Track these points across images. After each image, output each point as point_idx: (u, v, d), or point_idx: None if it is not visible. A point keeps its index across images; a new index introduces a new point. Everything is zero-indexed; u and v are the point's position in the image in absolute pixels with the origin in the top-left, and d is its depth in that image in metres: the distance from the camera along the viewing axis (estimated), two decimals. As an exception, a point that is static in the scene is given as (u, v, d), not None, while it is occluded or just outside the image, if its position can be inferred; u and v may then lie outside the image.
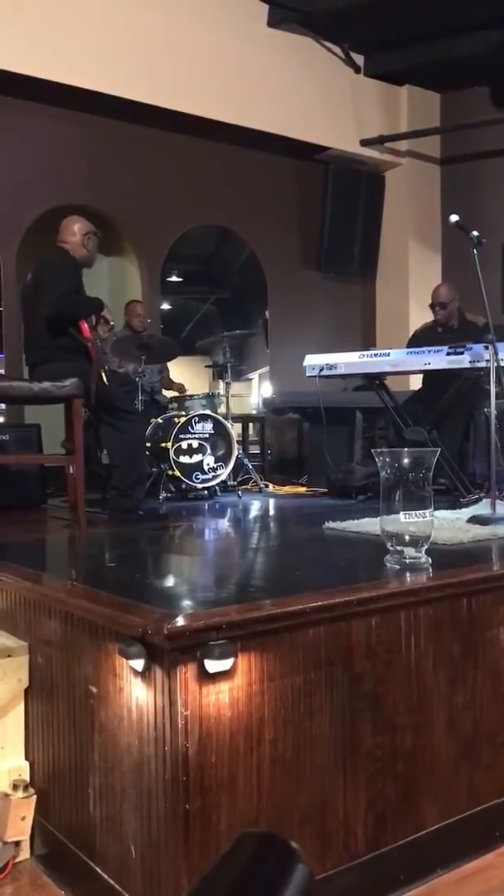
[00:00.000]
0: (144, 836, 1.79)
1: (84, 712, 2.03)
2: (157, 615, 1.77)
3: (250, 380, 10.23)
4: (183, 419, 5.11)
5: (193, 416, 5.15)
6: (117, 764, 1.89)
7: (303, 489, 5.73)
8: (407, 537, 2.30)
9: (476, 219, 5.36)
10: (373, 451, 2.43)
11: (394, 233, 8.26)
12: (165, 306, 9.20)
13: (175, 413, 5.49)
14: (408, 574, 2.23)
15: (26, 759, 2.32)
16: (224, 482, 5.29)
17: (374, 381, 4.72)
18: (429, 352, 4.24)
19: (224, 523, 4.19)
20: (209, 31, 6.67)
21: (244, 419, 7.57)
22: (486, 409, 4.18)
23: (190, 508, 4.76)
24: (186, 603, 2.07)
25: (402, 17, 6.85)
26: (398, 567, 2.29)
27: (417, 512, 2.28)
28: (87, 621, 2.02)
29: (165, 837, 1.73)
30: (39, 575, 2.48)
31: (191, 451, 5.08)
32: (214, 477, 5.15)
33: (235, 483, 5.49)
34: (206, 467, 5.12)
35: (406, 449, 2.36)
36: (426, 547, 2.33)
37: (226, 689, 1.75)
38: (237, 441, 5.52)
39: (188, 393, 6.06)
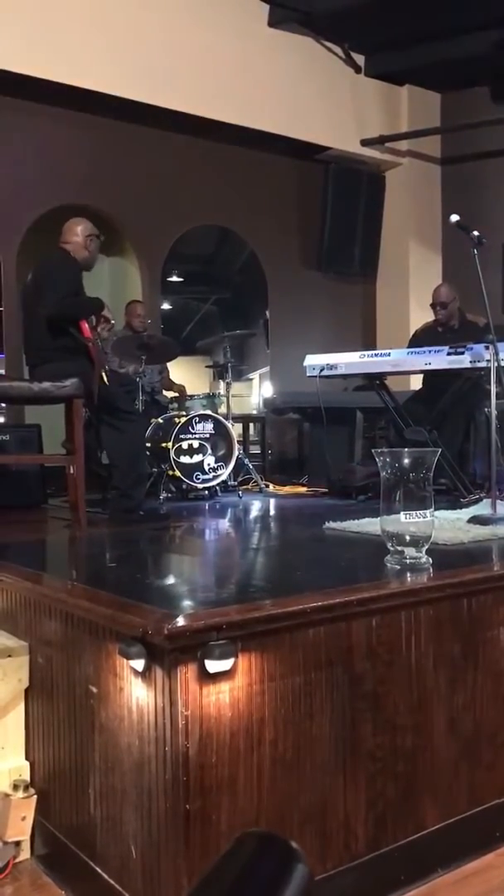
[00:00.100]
0: (145, 836, 1.79)
1: (84, 712, 2.03)
2: (157, 615, 1.77)
3: (251, 380, 10.22)
4: (183, 419, 5.11)
5: (194, 417, 5.15)
6: (118, 764, 1.89)
7: (303, 489, 5.73)
8: (407, 537, 2.30)
9: (476, 219, 5.36)
10: (373, 451, 2.43)
11: (394, 233, 8.26)
12: (166, 306, 9.19)
13: (175, 413, 5.49)
14: (408, 574, 2.23)
15: (27, 759, 2.32)
16: (224, 482, 5.29)
17: (374, 381, 4.72)
18: (429, 352, 4.24)
19: (224, 523, 4.19)
20: (209, 31, 6.67)
21: (245, 419, 7.57)
22: (486, 409, 4.18)
23: (190, 508, 4.76)
24: (187, 603, 2.07)
25: (402, 17, 6.85)
26: (399, 567, 2.29)
27: (418, 512, 2.28)
28: (87, 621, 2.02)
29: (166, 837, 1.73)
30: (40, 575, 2.48)
31: (191, 452, 5.08)
32: (215, 477, 5.15)
33: (236, 483, 5.49)
34: (206, 467, 5.12)
35: (406, 449, 2.36)
36: (426, 547, 2.33)
37: (226, 689, 1.75)
38: (238, 441, 5.52)
39: (189, 394, 6.06)
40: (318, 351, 4.93)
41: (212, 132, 6.98)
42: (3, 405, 6.38)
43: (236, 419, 6.10)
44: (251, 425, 7.72)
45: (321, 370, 4.63)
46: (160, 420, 5.36)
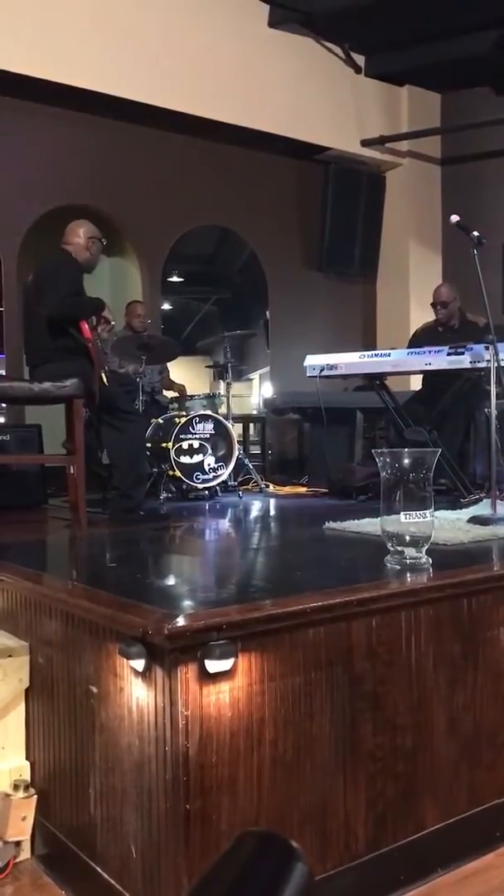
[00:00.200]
0: (145, 836, 1.80)
1: (85, 712, 2.03)
2: (157, 615, 1.77)
3: (251, 380, 10.23)
4: (183, 419, 5.11)
5: (194, 417, 5.15)
6: (118, 764, 1.89)
7: (303, 489, 5.73)
8: (407, 538, 2.30)
9: (476, 219, 5.35)
10: (373, 451, 2.43)
11: (394, 233, 8.26)
12: (166, 306, 9.20)
13: (176, 413, 5.49)
14: (408, 574, 2.23)
15: (27, 758, 2.32)
16: (225, 482, 5.29)
17: (374, 381, 4.72)
18: (429, 352, 4.24)
19: (225, 523, 4.19)
20: (209, 31, 6.67)
21: (245, 419, 7.57)
22: (486, 410, 4.18)
23: (190, 509, 4.76)
24: (187, 603, 2.08)
25: (402, 18, 6.85)
26: (398, 567, 2.29)
27: (418, 512, 2.28)
28: (87, 621, 2.02)
29: (166, 837, 1.73)
30: (40, 575, 2.48)
31: (191, 452, 5.08)
32: (215, 477, 5.15)
33: (236, 483, 5.49)
34: (206, 467, 5.12)
35: (406, 449, 2.36)
36: (426, 547, 2.33)
37: (226, 689, 1.75)
38: (238, 441, 5.52)
39: (189, 394, 6.07)
40: (318, 351, 4.94)
41: (212, 132, 6.98)
42: (4, 405, 6.38)
43: (236, 419, 6.10)
44: (251, 425, 7.72)
45: (321, 370, 4.63)
46: (160, 420, 5.36)
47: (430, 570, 2.27)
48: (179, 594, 2.32)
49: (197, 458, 5.09)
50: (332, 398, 5.52)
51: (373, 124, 7.80)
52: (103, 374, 3.85)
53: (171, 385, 6.36)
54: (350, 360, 4.62)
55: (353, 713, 1.98)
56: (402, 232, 8.22)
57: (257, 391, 9.88)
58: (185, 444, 5.06)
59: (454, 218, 3.57)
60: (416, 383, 5.77)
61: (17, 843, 2.20)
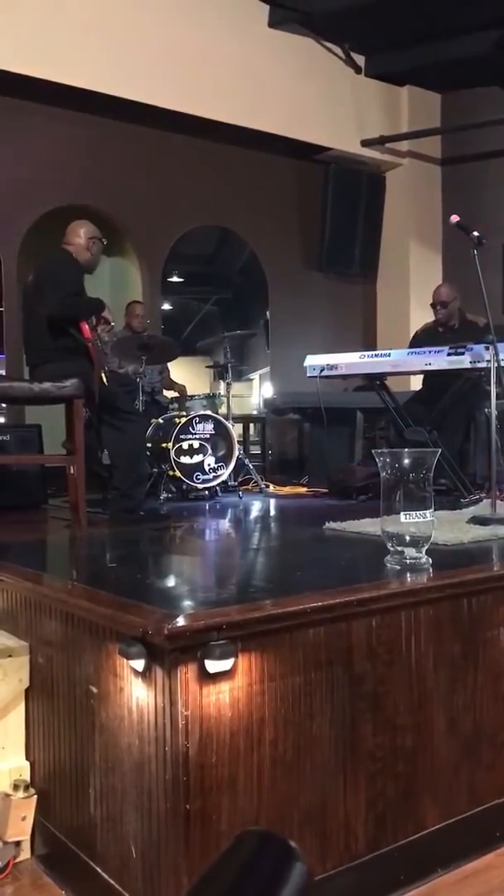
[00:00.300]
0: (145, 836, 1.80)
1: (85, 712, 2.03)
2: (157, 615, 1.77)
3: (251, 380, 10.24)
4: (184, 419, 5.12)
5: (194, 417, 5.15)
6: (118, 764, 1.89)
7: (303, 489, 5.73)
8: (407, 538, 2.30)
9: (476, 219, 5.36)
10: (373, 451, 2.43)
11: (394, 233, 8.26)
12: (166, 307, 9.20)
13: (176, 413, 5.49)
14: (408, 574, 2.23)
15: (27, 759, 2.32)
16: (225, 482, 5.29)
17: (374, 381, 4.72)
18: (429, 352, 4.25)
19: (225, 524, 4.19)
20: (209, 32, 6.67)
21: (245, 419, 7.57)
22: (486, 410, 4.18)
23: (191, 509, 4.76)
24: (187, 603, 2.08)
25: (402, 18, 6.85)
26: (398, 567, 2.29)
27: (418, 512, 2.28)
28: (87, 621, 2.02)
29: (166, 837, 1.73)
30: (40, 575, 2.48)
31: (191, 452, 5.08)
32: (215, 477, 5.16)
33: (236, 483, 5.49)
34: (206, 468, 5.12)
35: (406, 449, 2.36)
36: (426, 547, 2.33)
37: (226, 689, 1.75)
38: (238, 441, 5.52)
39: (189, 394, 6.07)
40: (319, 351, 4.94)
41: (211, 132, 6.98)
42: (4, 405, 6.39)
43: (236, 419, 6.10)
44: (251, 425, 7.73)
45: (321, 370, 4.63)
46: (160, 420, 5.36)
47: (430, 570, 2.27)
48: (179, 594, 2.32)
49: (197, 459, 5.09)
50: (332, 398, 5.52)
51: (373, 124, 7.80)
52: (103, 374, 3.86)
53: (172, 385, 6.36)
54: (350, 361, 4.62)
55: (353, 713, 1.98)
56: (403, 232, 8.22)
57: (257, 391, 9.89)
58: (185, 445, 5.06)
59: (454, 218, 3.57)
60: (416, 383, 5.77)
61: (17, 843, 2.20)
